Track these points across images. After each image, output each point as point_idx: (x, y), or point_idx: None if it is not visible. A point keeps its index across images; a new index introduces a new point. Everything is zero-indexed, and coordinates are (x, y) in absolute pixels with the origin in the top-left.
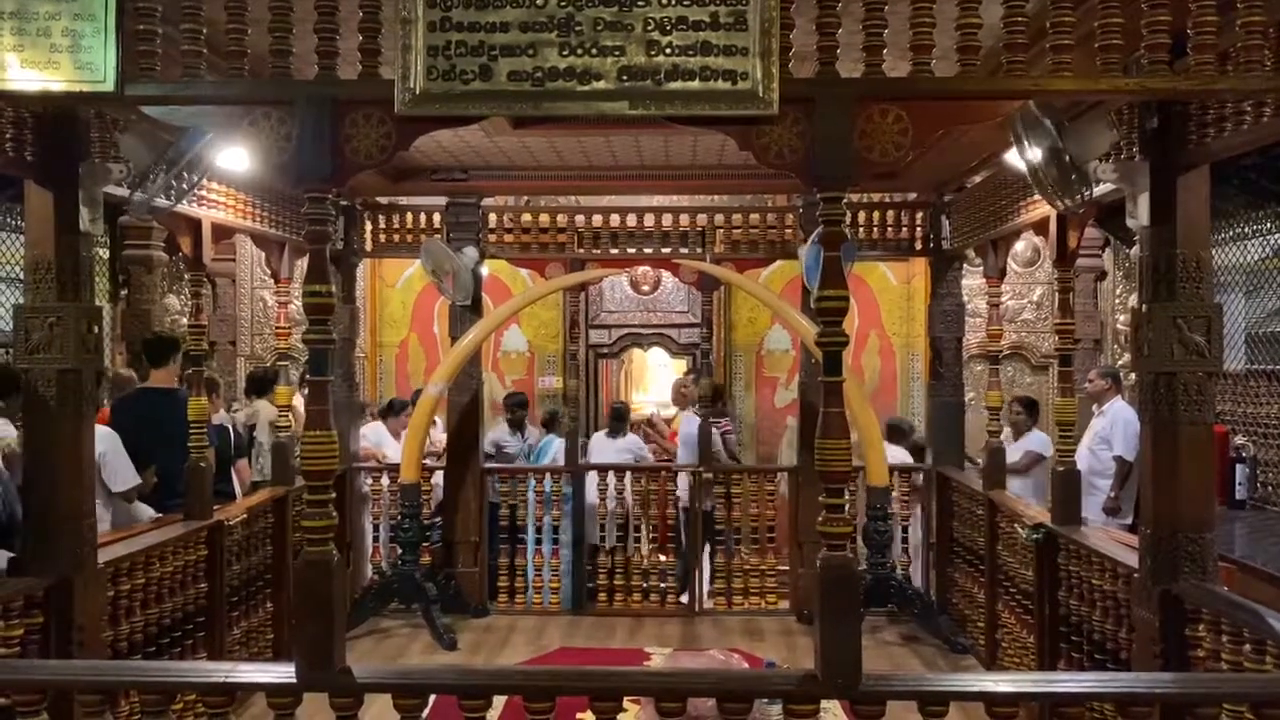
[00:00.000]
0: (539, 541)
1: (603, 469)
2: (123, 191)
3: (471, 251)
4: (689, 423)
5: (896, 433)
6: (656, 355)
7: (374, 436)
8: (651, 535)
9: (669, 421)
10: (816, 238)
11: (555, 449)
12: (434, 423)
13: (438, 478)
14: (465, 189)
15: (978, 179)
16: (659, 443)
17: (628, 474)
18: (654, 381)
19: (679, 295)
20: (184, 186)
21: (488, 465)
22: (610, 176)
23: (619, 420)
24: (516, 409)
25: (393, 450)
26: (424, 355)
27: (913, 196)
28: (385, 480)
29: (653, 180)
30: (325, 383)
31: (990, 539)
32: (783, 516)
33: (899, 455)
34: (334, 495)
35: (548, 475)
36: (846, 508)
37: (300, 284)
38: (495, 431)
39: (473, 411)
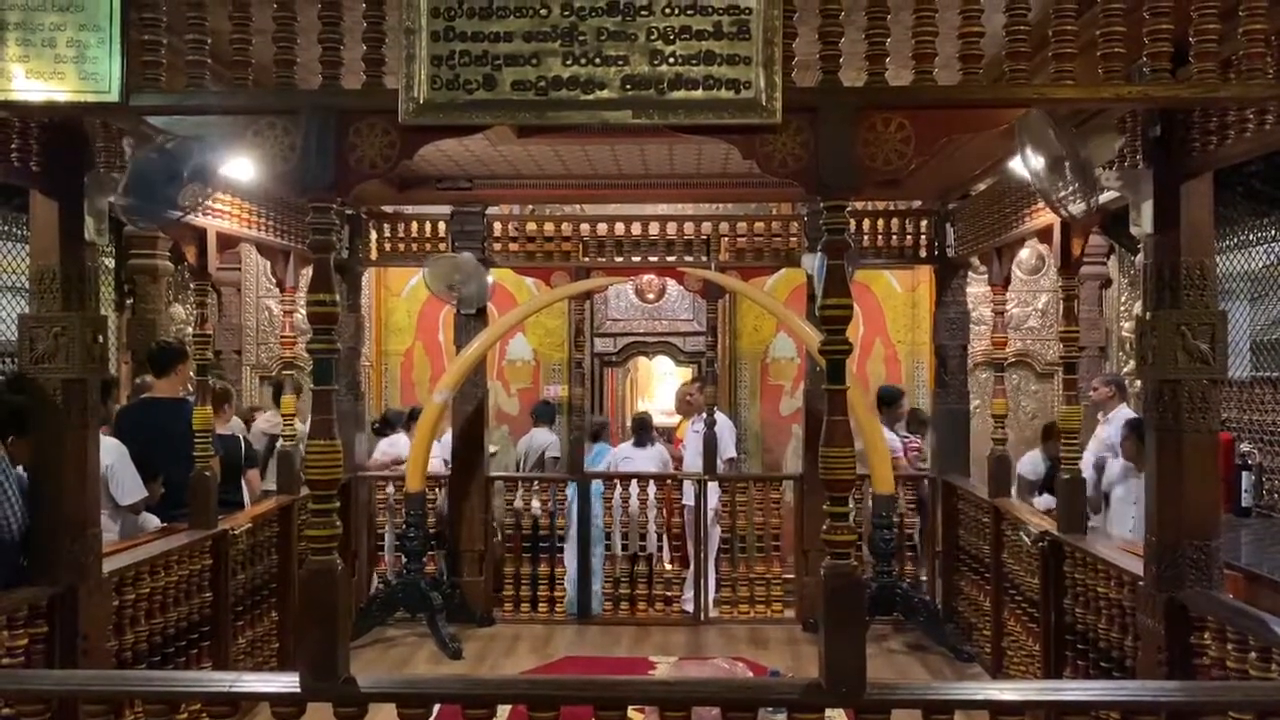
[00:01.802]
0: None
1: (637, 478)
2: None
3: (469, 257)
4: (693, 430)
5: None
6: (662, 364)
7: (392, 448)
8: (658, 544)
9: (674, 429)
10: (820, 246)
11: (607, 457)
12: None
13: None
14: (470, 197)
15: (982, 187)
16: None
17: (651, 483)
18: (659, 389)
19: (684, 303)
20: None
21: (491, 474)
22: (615, 185)
23: (644, 430)
24: (598, 430)
25: None
26: (429, 364)
27: (917, 204)
28: (390, 489)
29: (657, 188)
30: (329, 392)
31: (995, 547)
32: (788, 524)
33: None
34: (338, 504)
35: (593, 482)
36: (851, 516)
37: (305, 293)
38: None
39: (477, 420)
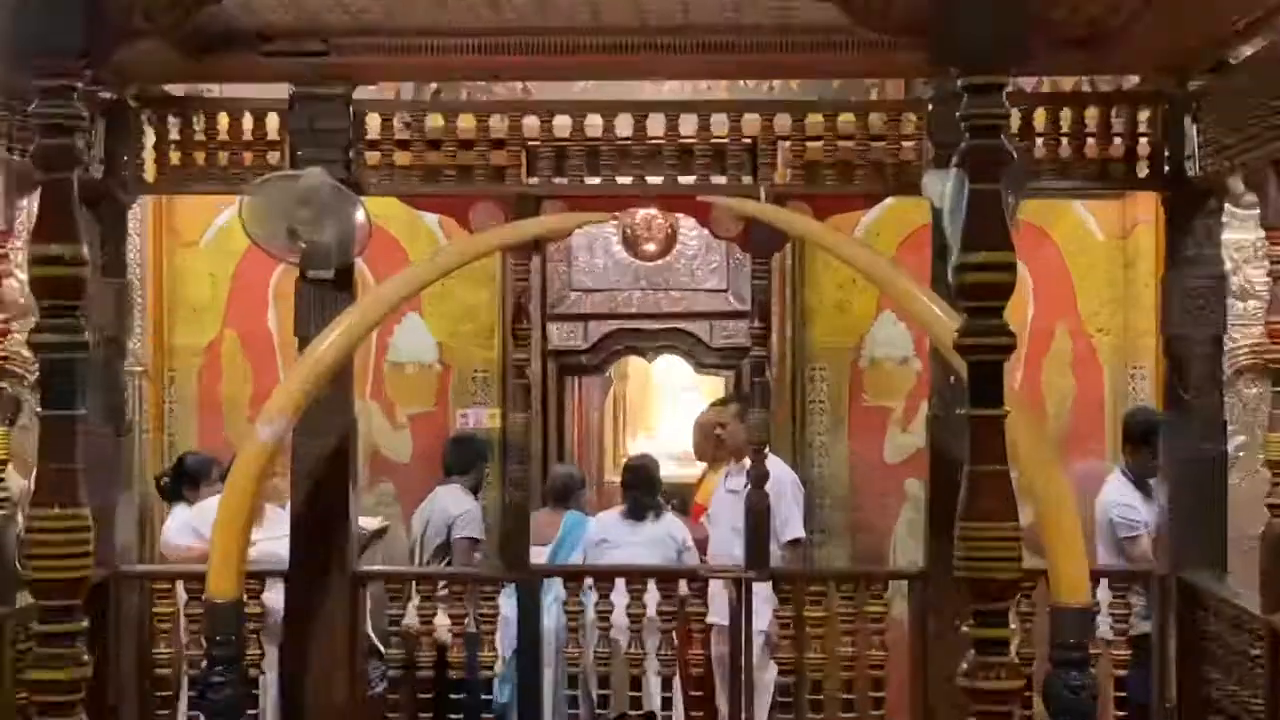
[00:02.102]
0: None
1: (627, 577)
2: None
3: (321, 176)
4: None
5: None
6: (670, 369)
7: (201, 524)
8: (665, 697)
9: (693, 487)
10: (956, 158)
11: (587, 536)
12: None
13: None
14: (325, 71)
15: (1249, 50)
16: None
17: (652, 585)
18: (665, 415)
19: (709, 261)
20: None
21: (364, 569)
22: (587, 46)
23: (644, 490)
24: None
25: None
26: (249, 369)
27: (1132, 83)
28: (182, 594)
29: (662, 54)
30: (71, 421)
31: (1274, 700)
32: (899, 661)
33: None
34: (85, 624)
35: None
36: (1015, 645)
37: (25, 242)
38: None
39: (337, 473)
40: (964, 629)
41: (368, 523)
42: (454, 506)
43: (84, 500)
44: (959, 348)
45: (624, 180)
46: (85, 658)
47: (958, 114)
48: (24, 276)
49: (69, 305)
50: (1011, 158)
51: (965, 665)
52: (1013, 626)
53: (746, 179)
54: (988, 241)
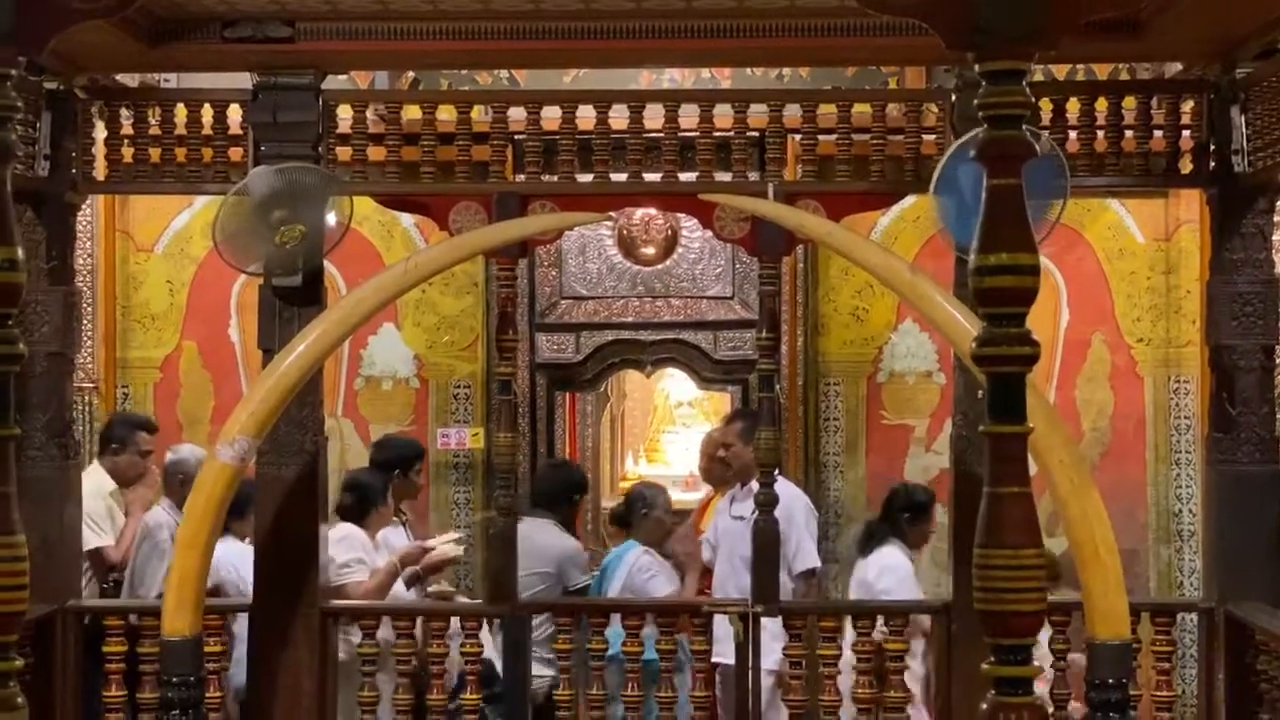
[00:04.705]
0: None
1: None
2: None
3: (262, 172)
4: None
5: None
6: (671, 384)
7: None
8: None
9: (696, 513)
10: (975, 150)
11: (630, 565)
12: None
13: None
14: (291, 58)
15: None
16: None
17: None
18: (672, 436)
19: (713, 267)
20: None
21: (335, 604)
22: (578, 32)
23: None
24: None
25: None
26: (210, 384)
27: (1174, 71)
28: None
29: (661, 40)
30: (7, 440)
31: None
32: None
33: None
34: (19, 663)
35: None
36: (1047, 686)
37: None
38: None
39: (307, 495)
40: (985, 667)
41: (443, 545)
42: (558, 547)
43: (17, 527)
44: (977, 358)
45: (619, 177)
46: (20, 700)
47: (976, 102)
48: None
49: (2, 314)
50: (1033, 151)
51: (984, 706)
52: (1040, 666)
53: (753, 175)
54: (1008, 241)
